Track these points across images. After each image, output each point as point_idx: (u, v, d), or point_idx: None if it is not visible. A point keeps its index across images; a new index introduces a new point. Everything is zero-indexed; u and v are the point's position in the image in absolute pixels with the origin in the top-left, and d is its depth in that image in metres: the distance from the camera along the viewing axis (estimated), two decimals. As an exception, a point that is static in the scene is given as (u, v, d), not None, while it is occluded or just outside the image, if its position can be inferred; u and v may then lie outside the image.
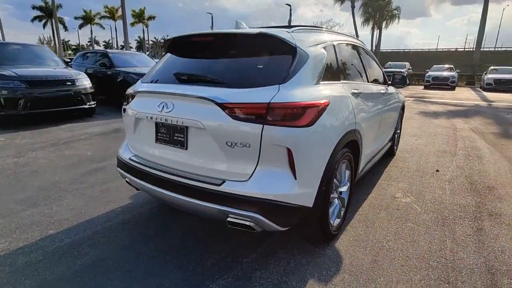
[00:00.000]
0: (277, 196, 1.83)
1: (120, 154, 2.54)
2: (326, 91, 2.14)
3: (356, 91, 2.61)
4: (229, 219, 1.89)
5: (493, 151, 5.18)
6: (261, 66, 2.04)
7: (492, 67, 20.48)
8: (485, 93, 16.93)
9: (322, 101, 1.98)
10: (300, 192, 1.89)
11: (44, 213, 2.81)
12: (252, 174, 1.85)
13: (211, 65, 2.30)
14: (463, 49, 48.32)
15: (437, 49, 54.52)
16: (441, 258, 2.26)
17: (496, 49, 45.57)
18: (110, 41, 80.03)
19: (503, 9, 72.26)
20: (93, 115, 7.54)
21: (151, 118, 2.15)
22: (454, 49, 49.01)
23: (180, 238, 2.46)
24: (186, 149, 2.04)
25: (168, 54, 2.59)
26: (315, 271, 2.10)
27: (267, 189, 1.83)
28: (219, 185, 1.88)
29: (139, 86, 2.42)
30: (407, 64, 25.21)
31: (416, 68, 27.27)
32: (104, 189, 3.34)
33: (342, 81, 2.51)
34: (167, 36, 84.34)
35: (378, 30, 30.59)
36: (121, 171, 2.52)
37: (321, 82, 2.17)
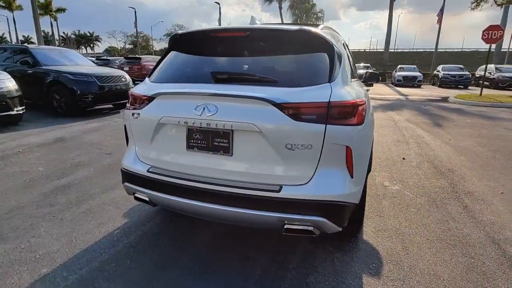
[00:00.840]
0: (339, 196, 1.79)
1: (129, 167, 2.18)
2: (359, 88, 2.18)
3: (365, 88, 2.73)
4: (286, 226, 1.78)
5: (434, 138, 6.00)
6: (304, 64, 1.98)
7: (399, 66, 23.86)
8: (398, 88, 19.54)
9: (365, 99, 2.01)
10: (355, 190, 1.89)
11: (22, 247, 2.24)
12: (313, 176, 1.77)
13: (248, 63, 2.14)
14: (369, 50, 55.36)
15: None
16: (454, 236, 2.52)
17: (395, 50, 53.26)
18: (5, 35, 68.30)
19: (398, 16, 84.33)
20: (19, 123, 6.32)
21: (185, 122, 1.89)
22: (363, 50, 55.61)
23: (206, 254, 2.23)
24: (232, 155, 1.85)
25: (174, 52, 2.31)
26: (362, 266, 2.13)
27: (329, 190, 1.77)
28: (278, 191, 1.75)
29: (156, 86, 2.09)
30: None
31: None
32: (86, 210, 2.83)
33: (355, 79, 2.60)
34: (79, 31, 75.58)
35: None
36: (133, 186, 2.15)
37: (352, 80, 2.21)
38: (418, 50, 53.66)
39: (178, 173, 1.97)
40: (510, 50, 33.19)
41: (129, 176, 2.17)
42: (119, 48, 69.83)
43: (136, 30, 45.00)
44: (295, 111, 1.71)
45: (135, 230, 2.52)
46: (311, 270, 2.07)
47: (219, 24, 21.25)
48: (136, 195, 2.15)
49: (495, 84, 18.64)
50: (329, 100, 1.73)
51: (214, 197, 1.85)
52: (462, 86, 20.16)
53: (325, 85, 1.81)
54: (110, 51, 70.25)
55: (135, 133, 2.17)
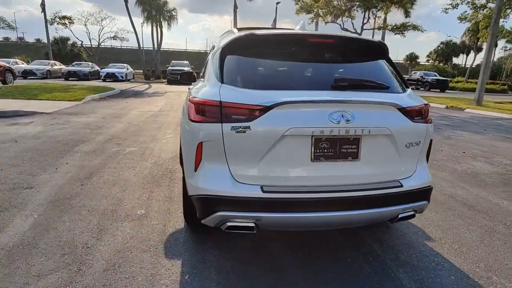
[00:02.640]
0: (430, 182, 2.13)
1: (227, 191, 1.79)
2: None
3: None
4: (401, 215, 2.00)
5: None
6: (387, 72, 2.20)
7: None
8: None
9: None
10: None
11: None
12: (416, 167, 2.10)
13: (342, 70, 2.25)
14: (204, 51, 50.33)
15: (186, 49, 61.89)
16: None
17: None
18: None
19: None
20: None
21: (312, 132, 1.77)
22: (203, 51, 52.03)
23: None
24: (359, 160, 1.88)
25: (250, 55, 2.06)
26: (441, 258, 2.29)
27: (425, 178, 2.11)
28: (401, 186, 1.96)
29: (264, 94, 1.80)
30: (187, 62, 26.34)
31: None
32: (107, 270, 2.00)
33: None
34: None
35: (160, 29, 29.99)
36: (232, 213, 1.80)
37: None
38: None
39: (301, 187, 1.84)
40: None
41: (227, 203, 1.79)
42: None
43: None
44: (412, 114, 2.01)
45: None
46: (399, 263, 2.19)
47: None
48: (231, 223, 1.82)
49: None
50: (425, 104, 2.14)
51: (339, 204, 1.85)
52: None
53: (408, 91, 2.18)
54: None
55: (234, 150, 1.79)
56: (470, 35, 36.94)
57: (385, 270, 2.09)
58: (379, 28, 14.74)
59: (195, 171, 1.87)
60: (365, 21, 14.34)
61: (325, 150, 1.82)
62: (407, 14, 16.22)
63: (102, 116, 7.43)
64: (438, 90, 25.05)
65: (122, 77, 21.98)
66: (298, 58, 2.12)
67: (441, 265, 2.17)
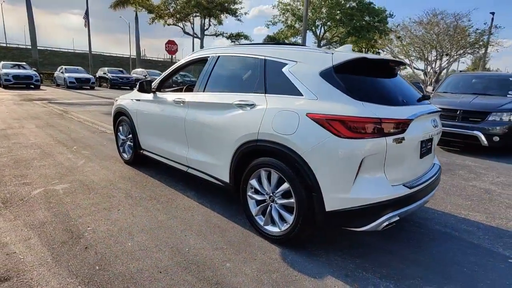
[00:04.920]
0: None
1: (392, 195, 2.08)
2: None
3: None
4: None
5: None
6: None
7: (64, 67, 21.21)
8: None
9: None
10: None
11: None
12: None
13: (408, 86, 2.70)
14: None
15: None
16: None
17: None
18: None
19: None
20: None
21: (423, 136, 2.36)
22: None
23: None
24: (432, 153, 2.66)
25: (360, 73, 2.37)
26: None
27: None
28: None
29: (403, 109, 2.23)
30: None
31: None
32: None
33: None
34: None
35: None
36: (393, 213, 2.09)
37: None
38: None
39: (417, 180, 2.37)
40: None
41: (390, 205, 2.08)
42: None
43: None
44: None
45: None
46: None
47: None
48: (388, 222, 2.07)
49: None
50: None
51: (431, 187, 2.49)
52: (128, 87, 21.01)
53: None
54: None
55: (390, 159, 2.09)
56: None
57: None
58: (216, 35, 16.37)
59: (353, 185, 2.04)
60: (206, 27, 15.53)
61: (425, 149, 2.43)
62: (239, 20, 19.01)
63: None
64: None
65: None
66: (391, 77, 2.54)
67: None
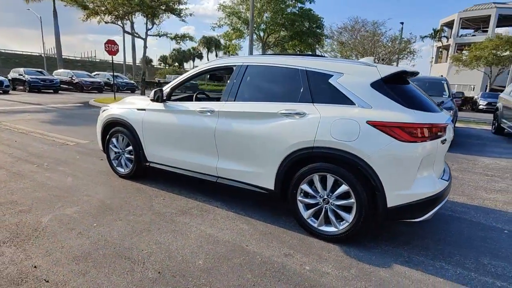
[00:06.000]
0: None
1: (442, 187, 2.53)
2: None
3: None
4: None
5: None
6: None
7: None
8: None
9: None
10: None
11: None
12: None
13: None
14: None
15: None
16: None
17: None
18: None
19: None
20: None
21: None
22: None
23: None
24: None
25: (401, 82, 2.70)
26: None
27: None
28: None
29: (443, 115, 2.68)
30: None
31: None
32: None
33: None
34: None
35: None
36: (445, 201, 2.60)
37: None
38: None
39: (443, 175, 2.78)
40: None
41: (441, 196, 2.50)
42: None
43: None
44: None
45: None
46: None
47: None
48: (434, 211, 2.47)
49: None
50: None
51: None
52: (52, 91, 19.55)
53: None
54: None
55: (438, 157, 2.57)
56: (203, 46, 49.44)
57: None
58: (159, 35, 15.75)
59: (414, 181, 2.38)
60: (149, 27, 14.87)
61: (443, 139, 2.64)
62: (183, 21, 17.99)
63: None
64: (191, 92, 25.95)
65: None
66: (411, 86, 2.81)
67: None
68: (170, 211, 3.11)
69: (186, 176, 3.42)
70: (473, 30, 41.82)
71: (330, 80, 2.66)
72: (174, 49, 55.32)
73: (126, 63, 41.81)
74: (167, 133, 3.48)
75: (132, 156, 3.86)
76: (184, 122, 3.35)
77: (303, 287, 2.06)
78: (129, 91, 24.00)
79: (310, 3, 22.58)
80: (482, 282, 2.20)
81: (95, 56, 64.64)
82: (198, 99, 3.88)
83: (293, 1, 21.89)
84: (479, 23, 39.76)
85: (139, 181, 3.90)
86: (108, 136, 4.06)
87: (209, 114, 3.15)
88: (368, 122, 2.40)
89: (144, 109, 3.66)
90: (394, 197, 2.38)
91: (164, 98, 3.52)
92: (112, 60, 13.87)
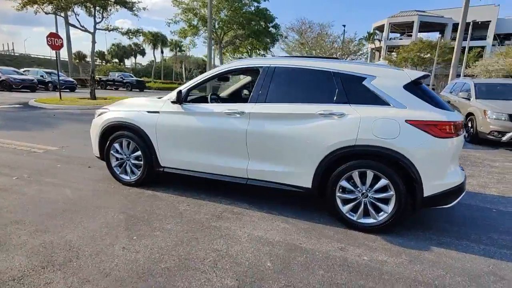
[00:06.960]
0: None
1: (461, 178, 2.82)
2: None
3: None
4: None
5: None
6: None
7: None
8: None
9: None
10: None
11: None
12: None
13: None
14: None
15: None
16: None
17: None
18: None
19: None
20: None
21: None
22: None
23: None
24: None
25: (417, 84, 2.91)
26: None
27: None
28: None
29: (456, 114, 2.85)
30: None
31: None
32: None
33: None
34: None
35: None
36: (464, 192, 2.86)
37: None
38: None
39: None
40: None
41: (464, 186, 2.84)
42: None
43: None
44: None
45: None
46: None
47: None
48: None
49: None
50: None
51: None
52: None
53: None
54: None
55: (458, 151, 2.85)
56: (148, 42, 46.00)
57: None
58: (108, 30, 15.10)
59: (447, 172, 2.72)
60: (98, 20, 14.02)
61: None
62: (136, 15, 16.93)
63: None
64: (138, 89, 26.46)
65: None
66: None
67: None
68: (203, 217, 3.01)
69: (211, 180, 3.33)
70: (399, 34, 46.88)
71: (364, 82, 2.85)
72: (113, 44, 50.90)
73: (61, 58, 37.25)
74: (188, 136, 3.34)
75: (141, 162, 3.61)
76: (208, 124, 3.25)
77: (373, 276, 2.21)
78: (68, 90, 21.63)
79: (265, 0, 23.06)
80: (503, 254, 2.60)
81: (13, 49, 56.59)
82: (213, 99, 3.78)
83: (249, 0, 22.13)
84: (404, 28, 44.75)
85: (149, 188, 3.66)
86: (109, 142, 3.72)
87: (238, 116, 3.12)
88: (407, 121, 2.64)
89: (157, 112, 3.45)
90: (431, 187, 2.66)
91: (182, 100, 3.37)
92: (56, 56, 12.44)
